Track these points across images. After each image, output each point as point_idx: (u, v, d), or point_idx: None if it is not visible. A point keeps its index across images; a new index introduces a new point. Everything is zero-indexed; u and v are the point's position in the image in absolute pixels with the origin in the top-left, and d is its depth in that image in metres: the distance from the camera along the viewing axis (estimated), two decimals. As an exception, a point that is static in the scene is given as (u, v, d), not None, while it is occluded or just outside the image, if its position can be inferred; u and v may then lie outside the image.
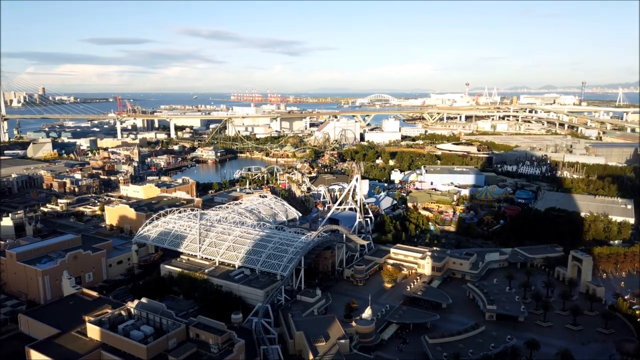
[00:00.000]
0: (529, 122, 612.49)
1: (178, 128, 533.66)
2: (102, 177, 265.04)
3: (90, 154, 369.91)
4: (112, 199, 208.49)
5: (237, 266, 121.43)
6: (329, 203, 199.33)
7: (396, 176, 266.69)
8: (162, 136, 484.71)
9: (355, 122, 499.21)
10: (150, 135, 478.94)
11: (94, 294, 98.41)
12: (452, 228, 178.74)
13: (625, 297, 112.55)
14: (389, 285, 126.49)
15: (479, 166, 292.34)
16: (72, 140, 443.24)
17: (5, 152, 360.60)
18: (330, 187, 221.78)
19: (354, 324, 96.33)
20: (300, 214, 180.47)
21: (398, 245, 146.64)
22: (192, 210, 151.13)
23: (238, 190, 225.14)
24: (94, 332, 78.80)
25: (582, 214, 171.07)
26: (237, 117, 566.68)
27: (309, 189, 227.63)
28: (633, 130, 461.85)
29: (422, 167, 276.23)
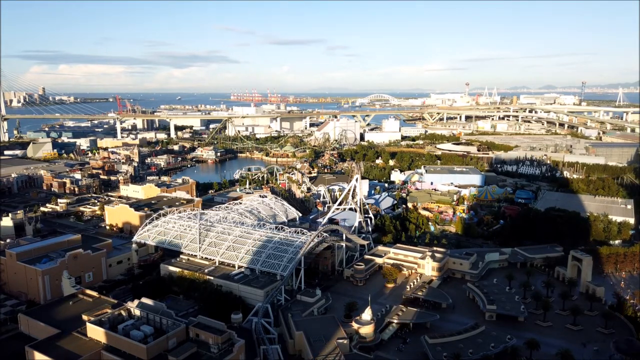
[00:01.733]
0: (529, 122, 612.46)
1: (178, 128, 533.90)
2: (102, 177, 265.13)
3: (90, 154, 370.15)
4: (112, 199, 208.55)
5: (237, 266, 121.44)
6: (329, 203, 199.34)
7: (396, 176, 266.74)
8: (162, 136, 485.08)
9: (355, 122, 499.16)
10: (150, 135, 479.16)
11: (94, 294, 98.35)
12: (452, 228, 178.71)
13: (626, 298, 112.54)
14: (389, 285, 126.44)
15: (479, 166, 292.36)
16: (72, 140, 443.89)
17: (5, 152, 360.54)
18: (330, 187, 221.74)
19: (354, 324, 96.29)
20: (300, 214, 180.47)
21: (398, 245, 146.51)
22: (192, 210, 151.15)
23: (238, 190, 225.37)
24: (94, 332, 78.77)
25: (582, 214, 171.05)
26: (237, 117, 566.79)
27: (308, 189, 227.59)
28: (633, 130, 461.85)
29: (422, 167, 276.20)
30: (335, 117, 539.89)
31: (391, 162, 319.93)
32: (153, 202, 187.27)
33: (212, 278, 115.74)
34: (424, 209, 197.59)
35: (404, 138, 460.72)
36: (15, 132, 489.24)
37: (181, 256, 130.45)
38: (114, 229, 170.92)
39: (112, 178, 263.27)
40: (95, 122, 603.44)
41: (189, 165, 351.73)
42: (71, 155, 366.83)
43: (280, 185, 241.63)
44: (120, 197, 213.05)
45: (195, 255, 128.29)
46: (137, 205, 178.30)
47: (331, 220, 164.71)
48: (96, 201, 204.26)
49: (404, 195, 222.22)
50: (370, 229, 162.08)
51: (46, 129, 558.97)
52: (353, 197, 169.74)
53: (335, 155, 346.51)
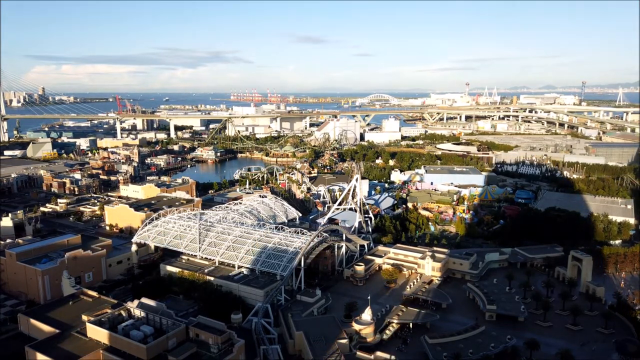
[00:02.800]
0: (529, 122, 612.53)
1: (178, 128, 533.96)
2: (102, 177, 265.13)
3: (90, 154, 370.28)
4: (112, 199, 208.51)
5: (237, 266, 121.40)
6: (329, 203, 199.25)
7: (396, 176, 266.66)
8: (162, 136, 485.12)
9: (355, 122, 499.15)
10: (150, 135, 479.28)
11: (94, 294, 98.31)
12: (452, 228, 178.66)
13: (627, 298, 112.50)
14: (389, 286, 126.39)
15: (479, 166, 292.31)
16: (72, 140, 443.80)
17: (5, 152, 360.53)
18: (330, 187, 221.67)
19: (354, 324, 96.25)
20: (300, 214, 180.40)
21: (398, 245, 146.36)
22: (192, 210, 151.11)
23: (238, 190, 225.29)
24: (93, 332, 78.72)
25: (582, 214, 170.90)
26: (237, 117, 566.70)
27: (308, 189, 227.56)
28: (633, 130, 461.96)
29: (422, 167, 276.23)
30: (335, 117, 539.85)
31: (391, 162, 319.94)
32: (153, 202, 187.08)
33: (212, 278, 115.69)
34: (424, 209, 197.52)
35: (404, 138, 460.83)
36: (15, 132, 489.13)
37: (181, 256, 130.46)
38: (114, 229, 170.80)
39: (112, 178, 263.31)
40: (95, 122, 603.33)
41: (188, 165, 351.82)
42: (71, 155, 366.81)
43: (280, 186, 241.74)
44: (120, 197, 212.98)
45: (195, 256, 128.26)
46: (137, 205, 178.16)
47: (331, 221, 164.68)
48: (96, 201, 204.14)
49: (404, 195, 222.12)
50: (370, 229, 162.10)
51: (46, 129, 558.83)
52: (353, 197, 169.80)
53: (335, 155, 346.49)
